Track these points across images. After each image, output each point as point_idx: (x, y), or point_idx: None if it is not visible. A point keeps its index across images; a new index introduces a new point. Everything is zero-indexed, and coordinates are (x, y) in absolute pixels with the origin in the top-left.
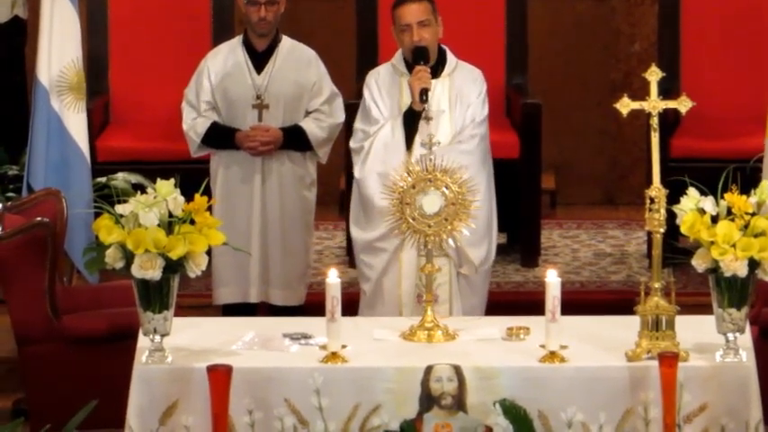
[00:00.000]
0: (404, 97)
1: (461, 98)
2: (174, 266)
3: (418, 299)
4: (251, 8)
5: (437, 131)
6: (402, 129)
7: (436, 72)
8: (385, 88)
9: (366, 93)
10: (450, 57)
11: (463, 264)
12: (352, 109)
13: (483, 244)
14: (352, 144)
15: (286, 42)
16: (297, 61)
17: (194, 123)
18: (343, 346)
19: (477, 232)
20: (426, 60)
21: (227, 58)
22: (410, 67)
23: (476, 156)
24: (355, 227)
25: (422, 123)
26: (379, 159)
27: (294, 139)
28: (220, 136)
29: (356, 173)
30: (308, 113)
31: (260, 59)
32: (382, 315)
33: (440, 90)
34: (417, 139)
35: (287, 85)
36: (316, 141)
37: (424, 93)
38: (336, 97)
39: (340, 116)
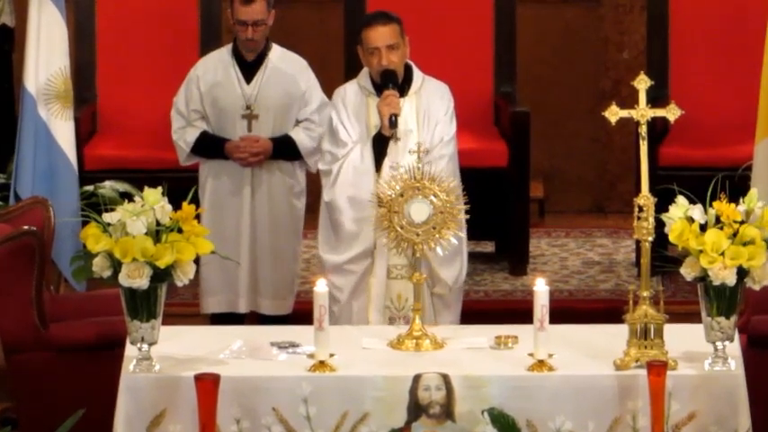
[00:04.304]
0: (372, 118)
1: (429, 116)
2: (161, 275)
3: (390, 321)
4: (239, 27)
5: (405, 151)
6: (371, 153)
7: (403, 91)
8: (352, 109)
9: (333, 114)
10: (417, 73)
11: (436, 284)
12: None
13: (455, 263)
14: (321, 166)
15: (276, 51)
16: (286, 70)
17: (183, 132)
18: (331, 355)
19: (449, 252)
20: (395, 83)
21: (216, 68)
22: (377, 87)
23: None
24: (324, 249)
25: (390, 144)
26: (349, 183)
27: (284, 149)
28: (210, 145)
29: (325, 196)
30: (297, 122)
31: (249, 69)
32: None
33: (407, 109)
34: (386, 162)
35: (276, 95)
36: (305, 151)
37: (394, 118)
38: (326, 106)
39: None
